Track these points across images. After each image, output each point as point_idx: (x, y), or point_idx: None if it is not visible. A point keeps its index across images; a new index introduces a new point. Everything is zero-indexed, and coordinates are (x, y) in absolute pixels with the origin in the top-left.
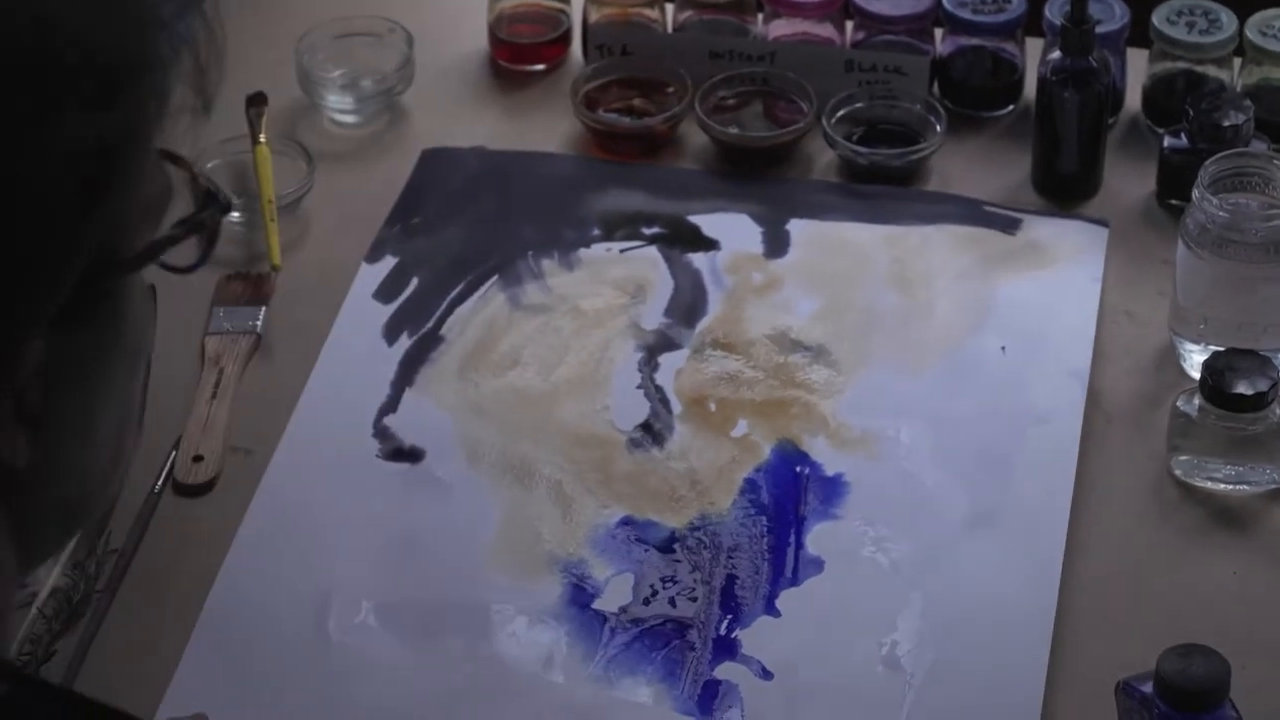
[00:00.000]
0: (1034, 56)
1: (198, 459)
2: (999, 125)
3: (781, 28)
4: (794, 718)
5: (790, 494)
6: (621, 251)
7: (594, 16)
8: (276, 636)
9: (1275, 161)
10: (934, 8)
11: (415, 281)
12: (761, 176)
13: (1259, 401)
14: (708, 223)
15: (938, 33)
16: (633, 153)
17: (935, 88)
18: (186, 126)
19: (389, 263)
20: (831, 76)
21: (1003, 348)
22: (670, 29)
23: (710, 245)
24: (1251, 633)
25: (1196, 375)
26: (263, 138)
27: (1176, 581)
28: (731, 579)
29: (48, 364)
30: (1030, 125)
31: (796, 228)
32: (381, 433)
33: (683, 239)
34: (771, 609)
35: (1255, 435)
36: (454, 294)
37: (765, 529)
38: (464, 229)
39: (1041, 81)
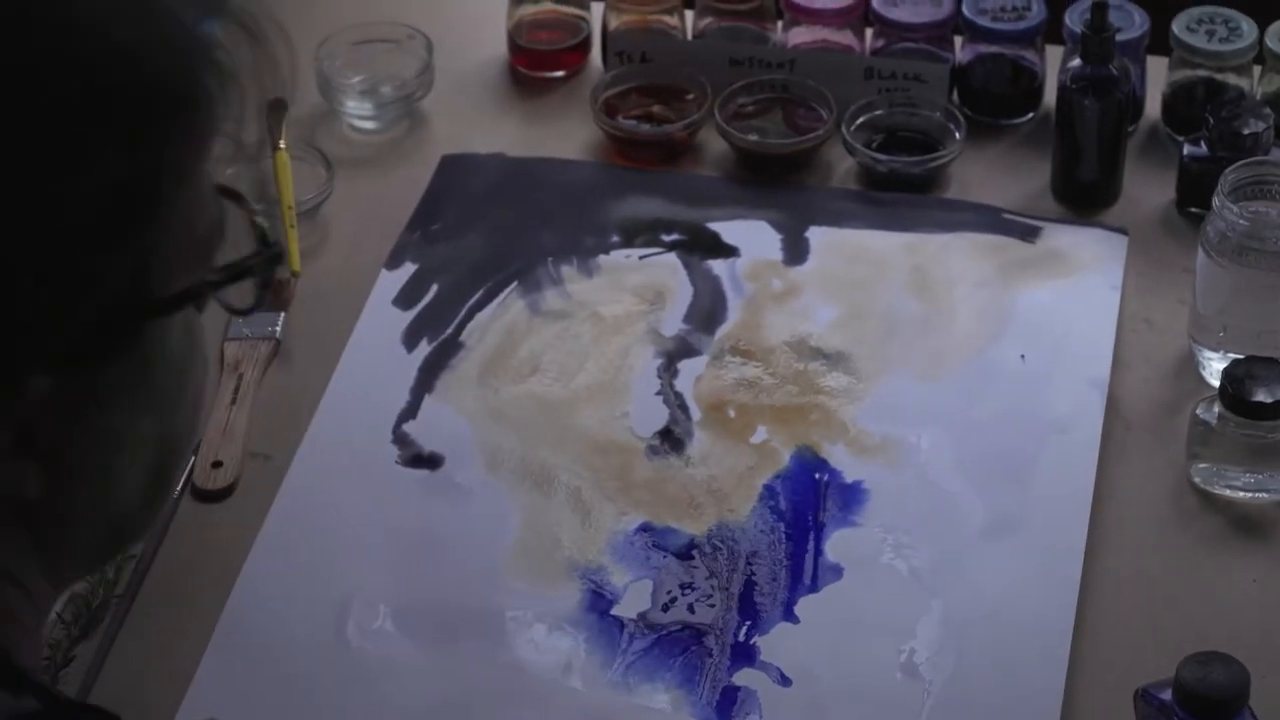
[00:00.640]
0: (1054, 64)
1: (217, 464)
2: (1018, 133)
3: (801, 35)
4: None
5: (809, 501)
6: (641, 258)
7: (614, 23)
8: (295, 641)
9: None
10: (954, 15)
11: (435, 288)
12: (781, 183)
13: (1279, 410)
14: (727, 230)
15: (957, 40)
16: (652, 159)
17: (955, 95)
18: (248, 160)
19: (409, 269)
20: (851, 84)
21: (1022, 356)
22: (690, 36)
23: (730, 252)
24: (1271, 641)
25: (1216, 383)
26: (282, 144)
27: (1196, 589)
28: (750, 585)
29: (60, 399)
30: (1050, 133)
31: (816, 235)
32: (401, 439)
33: (702, 246)
34: (790, 615)
35: (1275, 443)
36: (473, 300)
37: (784, 535)
38: (483, 235)
39: (1061, 89)
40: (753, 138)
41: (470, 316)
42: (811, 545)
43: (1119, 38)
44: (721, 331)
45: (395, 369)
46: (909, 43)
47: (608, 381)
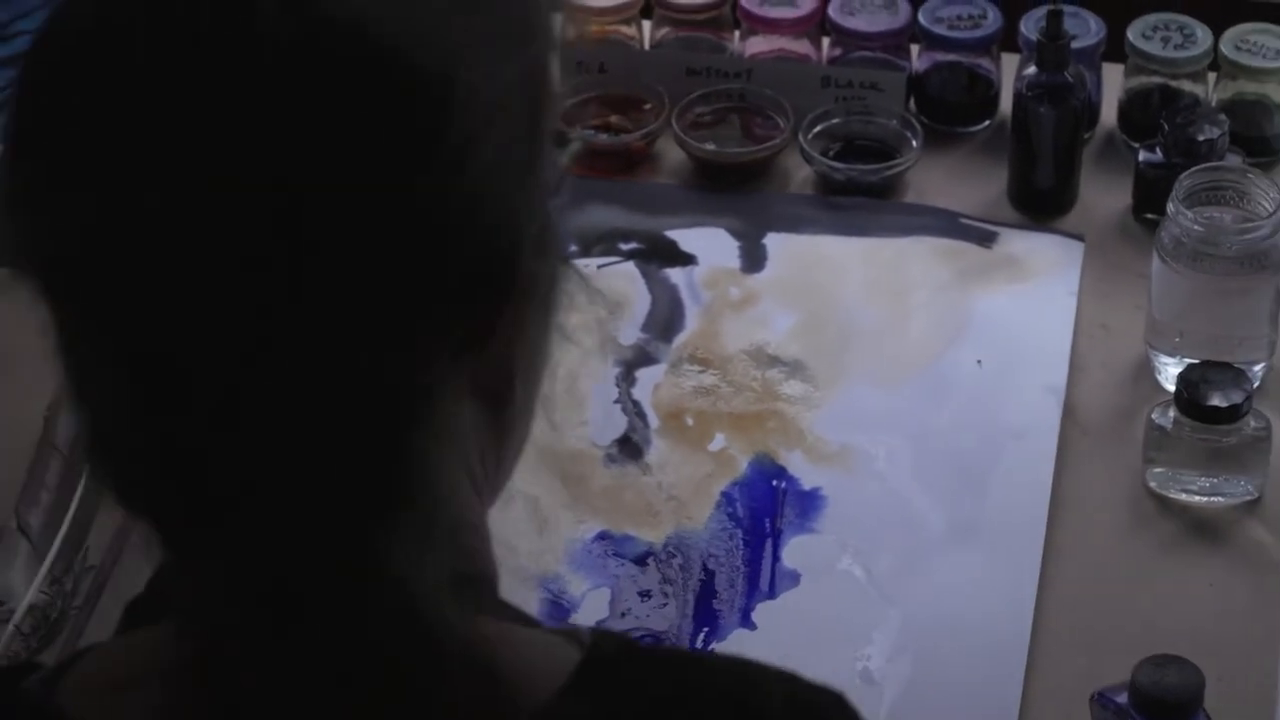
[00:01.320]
0: (1010, 72)
1: None
2: (975, 140)
3: (758, 44)
4: None
5: (767, 508)
6: (599, 267)
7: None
8: None
9: (1249, 175)
10: (910, 24)
11: None
12: (738, 192)
13: (1233, 414)
14: (685, 238)
15: (914, 49)
16: (610, 169)
17: (911, 103)
18: None
19: None
20: (808, 92)
21: (979, 361)
22: (647, 46)
23: (688, 260)
24: (1226, 643)
25: (1172, 388)
26: None
27: (1152, 593)
28: (708, 592)
29: (531, 316)
30: (1006, 140)
31: (773, 242)
32: None
33: (660, 254)
34: (748, 622)
35: (1230, 447)
36: None
37: (742, 542)
38: None
39: (1017, 97)
40: (710, 147)
41: None
42: (769, 552)
43: (1074, 45)
44: (679, 340)
45: None
46: (866, 51)
47: (565, 390)
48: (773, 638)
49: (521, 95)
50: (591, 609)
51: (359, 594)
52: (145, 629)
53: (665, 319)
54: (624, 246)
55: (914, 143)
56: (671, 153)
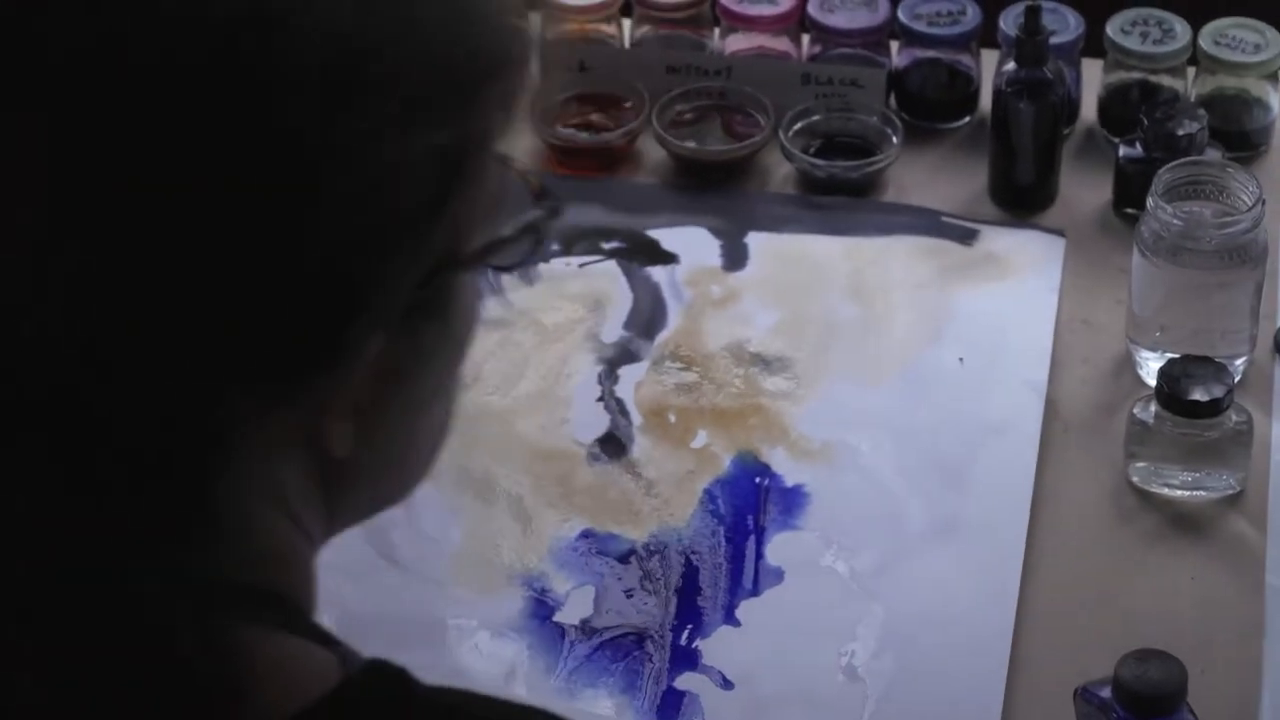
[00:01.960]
0: (989, 68)
1: None
2: (955, 137)
3: (738, 42)
4: None
5: (750, 504)
6: (581, 266)
7: (551, 32)
8: None
9: (1229, 170)
10: (889, 21)
11: None
12: (720, 190)
13: (1214, 408)
14: (666, 236)
15: (893, 45)
16: (591, 167)
17: (892, 100)
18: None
19: None
20: (788, 90)
21: (960, 358)
22: (627, 44)
23: (669, 259)
24: (1208, 637)
25: (1153, 383)
26: None
27: (1134, 588)
28: (691, 589)
29: (386, 362)
30: (986, 136)
31: (755, 240)
32: None
33: (642, 253)
34: (731, 619)
35: (1211, 441)
36: None
37: (725, 539)
38: None
39: (997, 93)
40: (690, 145)
41: None
42: (752, 549)
43: (1053, 41)
44: (661, 338)
45: None
46: (845, 48)
47: (548, 389)
48: (757, 634)
49: (417, 172)
50: (576, 607)
51: (107, 597)
52: None
53: (647, 317)
54: (606, 245)
55: (894, 139)
56: (652, 151)
